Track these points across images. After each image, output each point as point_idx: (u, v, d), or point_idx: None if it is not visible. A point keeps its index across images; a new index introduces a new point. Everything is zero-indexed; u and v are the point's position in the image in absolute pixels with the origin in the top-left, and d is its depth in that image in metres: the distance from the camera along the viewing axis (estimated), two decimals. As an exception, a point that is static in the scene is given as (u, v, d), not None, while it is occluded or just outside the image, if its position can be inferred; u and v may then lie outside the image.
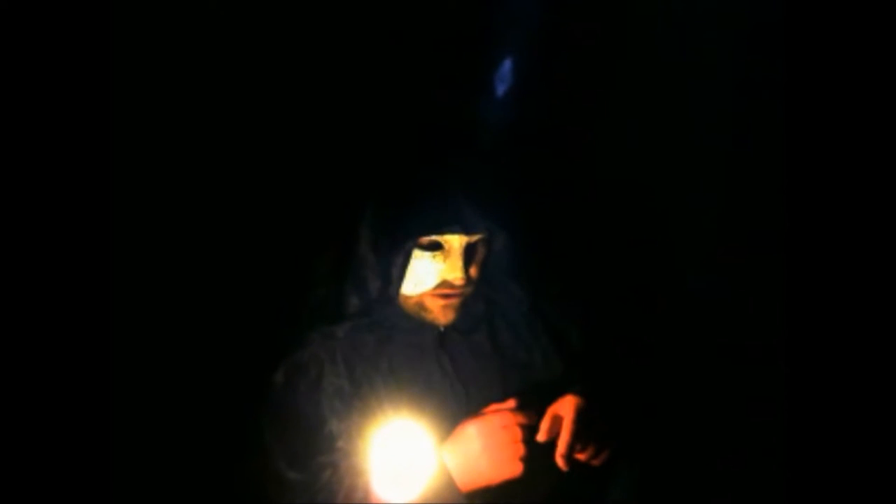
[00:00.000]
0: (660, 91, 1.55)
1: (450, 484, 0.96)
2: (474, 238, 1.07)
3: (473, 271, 1.08)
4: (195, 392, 1.25)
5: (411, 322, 1.09)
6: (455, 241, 1.05)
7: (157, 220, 1.30)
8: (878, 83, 0.88)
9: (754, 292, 1.44)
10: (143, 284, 1.26)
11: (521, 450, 0.96)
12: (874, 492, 0.83)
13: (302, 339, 1.10)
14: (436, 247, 1.05)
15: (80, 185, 0.85)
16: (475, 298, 1.13)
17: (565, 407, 0.98)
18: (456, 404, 1.06)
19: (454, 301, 1.07)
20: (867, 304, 0.86)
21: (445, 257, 1.05)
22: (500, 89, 1.34)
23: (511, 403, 1.00)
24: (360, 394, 1.05)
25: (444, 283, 1.06)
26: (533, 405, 1.00)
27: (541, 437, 0.97)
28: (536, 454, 0.97)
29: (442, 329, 1.10)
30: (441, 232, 1.04)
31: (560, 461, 0.95)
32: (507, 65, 1.35)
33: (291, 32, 1.39)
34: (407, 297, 1.08)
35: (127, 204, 1.11)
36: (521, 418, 0.98)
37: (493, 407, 1.00)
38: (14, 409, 0.80)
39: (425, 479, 0.93)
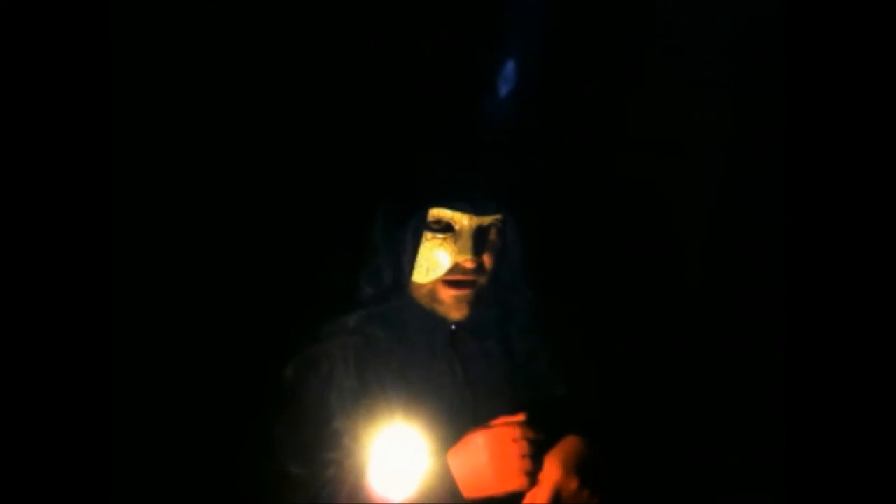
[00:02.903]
0: (662, 91, 1.55)
1: (454, 491, 0.97)
2: (485, 221, 1.07)
3: (487, 260, 1.08)
4: (204, 385, 1.25)
5: (424, 321, 1.09)
6: (465, 221, 1.06)
7: (170, 213, 1.31)
8: (878, 83, 0.88)
9: (755, 294, 1.45)
10: (154, 278, 1.27)
11: (527, 464, 0.97)
12: (874, 492, 0.83)
13: (314, 332, 1.10)
14: (446, 229, 1.06)
15: (87, 179, 0.86)
16: (489, 301, 1.13)
17: (553, 465, 0.98)
18: (463, 407, 1.06)
19: (467, 293, 1.07)
20: (868, 301, 0.86)
21: (456, 239, 1.06)
22: (504, 89, 1.34)
23: (521, 417, 1.00)
24: (369, 392, 1.05)
25: (455, 268, 1.06)
26: (542, 419, 1.00)
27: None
28: (539, 469, 0.97)
29: (454, 327, 1.10)
30: (450, 205, 1.05)
31: None
32: (510, 65, 1.35)
33: (300, 30, 1.39)
34: (420, 286, 1.08)
35: (136, 198, 1.12)
36: (529, 433, 0.98)
37: (503, 419, 1.00)
38: (19, 397, 0.80)
39: (424, 479, 0.93)
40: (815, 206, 0.90)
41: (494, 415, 1.03)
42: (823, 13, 0.91)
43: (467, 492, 0.97)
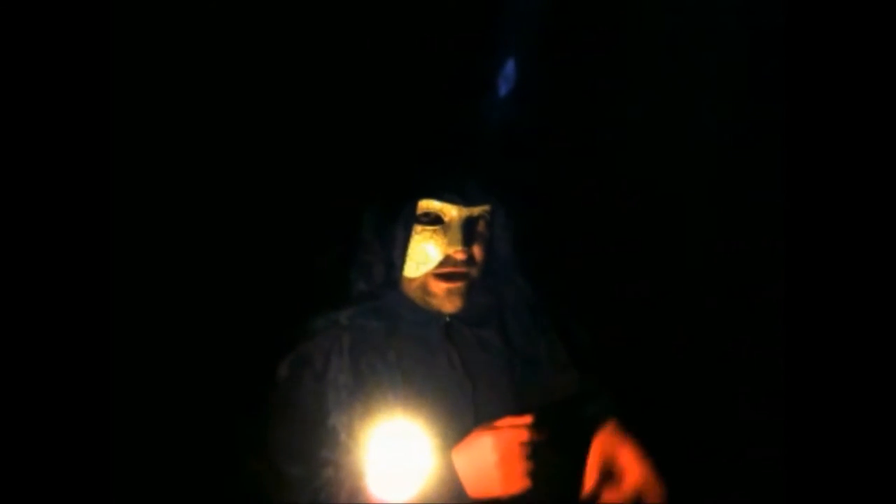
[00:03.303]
0: (662, 88, 1.55)
1: (459, 490, 0.97)
2: (474, 212, 1.07)
3: (477, 251, 1.08)
4: (198, 385, 1.25)
5: (418, 314, 1.10)
6: (454, 212, 1.06)
7: (161, 211, 1.31)
8: (879, 83, 0.88)
9: (755, 291, 1.45)
10: (147, 277, 1.26)
11: (531, 465, 0.97)
12: (874, 492, 0.83)
13: (307, 328, 1.10)
14: (435, 221, 1.06)
15: (83, 176, 0.86)
16: (483, 290, 1.13)
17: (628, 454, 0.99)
18: (463, 398, 1.07)
19: (459, 285, 1.07)
20: (868, 303, 0.86)
21: (445, 231, 1.06)
22: (504, 89, 1.34)
23: (528, 419, 0.99)
24: (364, 387, 1.05)
25: (446, 260, 1.06)
26: (549, 421, 1.00)
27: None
28: (545, 471, 0.98)
29: (448, 319, 1.10)
30: (439, 197, 1.05)
31: None
32: (510, 65, 1.35)
33: (296, 28, 1.39)
34: (411, 281, 1.08)
35: (130, 197, 1.12)
36: (536, 435, 0.98)
37: (511, 421, 1.00)
38: (16, 398, 0.80)
39: (424, 478, 0.93)
40: (816, 206, 0.90)
41: (495, 404, 1.04)
42: (825, 13, 0.91)
43: (471, 491, 0.97)
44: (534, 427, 0.98)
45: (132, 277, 1.17)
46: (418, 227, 1.06)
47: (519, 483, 0.96)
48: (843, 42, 0.90)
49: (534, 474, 0.96)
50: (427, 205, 1.06)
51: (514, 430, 0.98)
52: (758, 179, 1.44)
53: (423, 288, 1.08)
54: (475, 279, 1.10)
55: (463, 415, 1.05)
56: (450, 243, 1.05)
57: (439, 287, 1.07)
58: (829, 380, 0.87)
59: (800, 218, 0.91)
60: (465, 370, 1.08)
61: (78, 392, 0.83)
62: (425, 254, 1.06)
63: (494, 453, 0.96)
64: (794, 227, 0.92)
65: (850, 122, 0.89)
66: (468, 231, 1.07)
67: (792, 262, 0.91)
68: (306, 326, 1.10)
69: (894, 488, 0.82)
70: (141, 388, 1.18)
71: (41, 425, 0.81)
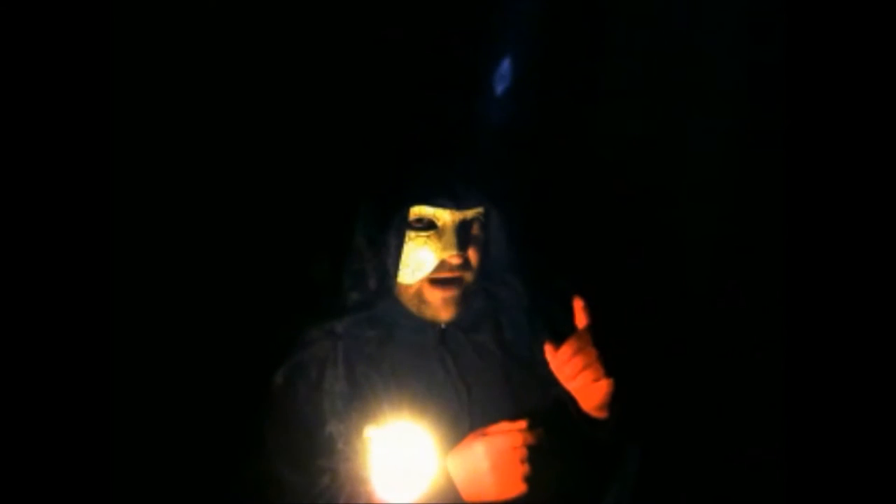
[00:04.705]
0: (661, 85, 1.55)
1: (455, 497, 0.97)
2: (468, 215, 1.06)
3: (472, 255, 1.07)
4: (195, 394, 1.25)
5: (413, 320, 1.09)
6: (447, 217, 1.05)
7: (156, 220, 1.30)
8: (879, 78, 0.88)
9: (754, 291, 1.45)
10: (143, 286, 1.26)
11: (526, 470, 0.97)
12: (874, 492, 0.83)
13: (302, 338, 1.10)
14: (429, 226, 1.05)
15: (80, 185, 0.86)
16: (476, 295, 1.12)
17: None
18: (458, 403, 1.07)
19: (454, 293, 1.07)
20: (867, 303, 0.86)
21: (440, 236, 1.05)
22: (500, 87, 1.34)
23: (522, 424, 0.99)
24: (360, 394, 1.05)
25: (441, 265, 1.05)
26: (543, 424, 1.00)
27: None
28: (540, 475, 0.98)
29: (443, 326, 1.10)
30: (431, 203, 1.04)
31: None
32: (506, 63, 1.34)
33: (288, 30, 1.39)
34: (406, 288, 1.07)
35: (126, 205, 1.11)
36: (529, 439, 0.98)
37: (504, 426, 0.99)
38: (14, 408, 0.80)
39: (426, 480, 0.93)
40: (816, 205, 0.90)
41: (490, 409, 1.04)
42: (825, 12, 0.91)
43: (467, 497, 0.98)
44: (528, 431, 0.98)
45: (129, 289, 1.16)
46: (412, 234, 1.05)
47: (514, 488, 0.96)
48: (844, 42, 0.90)
49: (528, 479, 0.96)
50: (419, 211, 1.05)
51: (507, 436, 0.98)
52: (758, 180, 1.44)
53: (419, 296, 1.07)
54: (469, 284, 1.09)
55: (459, 420, 1.05)
56: (444, 248, 1.05)
57: (434, 295, 1.06)
58: (830, 380, 0.87)
59: (800, 218, 0.91)
60: (459, 376, 1.08)
61: (75, 396, 0.83)
62: (420, 260, 1.05)
63: (487, 459, 0.96)
64: (795, 227, 0.92)
65: (851, 123, 0.89)
66: (462, 235, 1.06)
67: (792, 262, 0.91)
68: (301, 336, 1.10)
69: (894, 488, 0.82)
70: (139, 397, 1.18)
71: (41, 434, 0.81)
